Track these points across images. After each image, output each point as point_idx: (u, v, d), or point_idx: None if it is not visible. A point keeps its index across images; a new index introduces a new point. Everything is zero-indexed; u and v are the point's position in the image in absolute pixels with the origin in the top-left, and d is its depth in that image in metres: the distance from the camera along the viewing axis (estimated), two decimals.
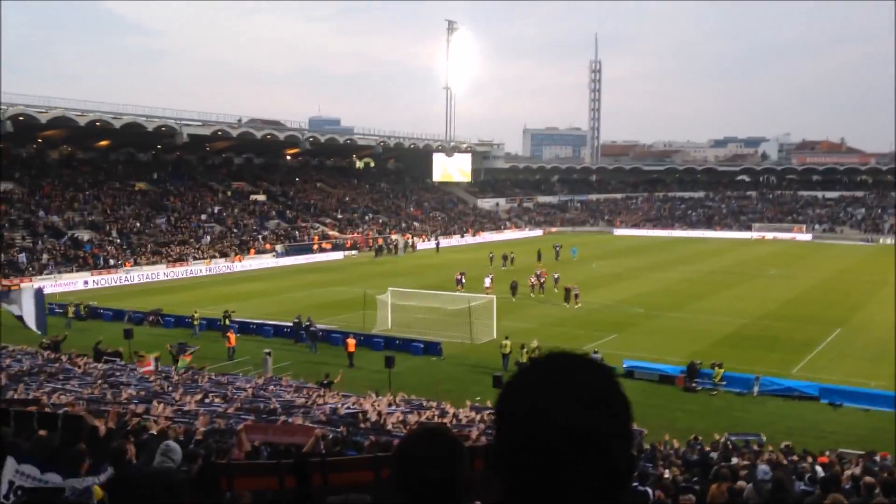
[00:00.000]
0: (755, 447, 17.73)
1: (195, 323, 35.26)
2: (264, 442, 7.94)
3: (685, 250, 75.28)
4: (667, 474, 12.73)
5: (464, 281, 46.76)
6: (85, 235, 58.47)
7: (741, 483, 10.52)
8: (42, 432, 5.97)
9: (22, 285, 28.75)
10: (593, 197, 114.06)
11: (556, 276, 48.98)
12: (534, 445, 1.21)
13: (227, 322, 34.87)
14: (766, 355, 31.73)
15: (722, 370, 27.36)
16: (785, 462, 13.40)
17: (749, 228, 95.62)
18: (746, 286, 51.46)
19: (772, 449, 17.04)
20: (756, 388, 27.10)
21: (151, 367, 23.29)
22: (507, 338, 30.56)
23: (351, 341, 30.94)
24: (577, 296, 42.67)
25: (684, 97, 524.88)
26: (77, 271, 52.10)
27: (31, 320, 26.42)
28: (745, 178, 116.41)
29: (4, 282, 47.09)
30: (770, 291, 48.92)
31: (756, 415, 24.49)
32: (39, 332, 27.90)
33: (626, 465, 1.25)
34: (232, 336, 32.25)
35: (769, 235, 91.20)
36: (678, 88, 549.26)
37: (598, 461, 1.21)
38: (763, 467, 11.24)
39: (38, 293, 28.65)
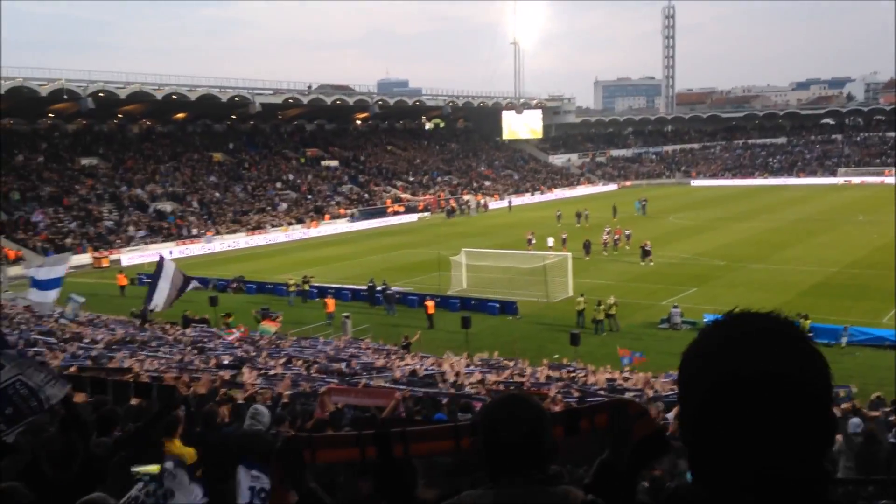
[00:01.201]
0: (844, 398, 17.23)
1: (290, 290, 35.66)
2: (346, 404, 8.14)
3: (767, 199, 72.94)
4: None
5: (534, 241, 46.26)
6: (167, 207, 60.40)
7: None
8: (136, 401, 6.28)
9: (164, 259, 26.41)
10: (669, 148, 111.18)
11: (627, 232, 47.17)
12: (741, 403, 1.12)
13: (307, 287, 35.60)
14: (855, 304, 30.68)
15: (808, 321, 26.53)
16: (873, 414, 12.98)
17: (835, 174, 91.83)
18: (833, 234, 49.64)
19: (857, 404, 16.49)
20: (845, 339, 26.27)
21: (237, 335, 24.00)
22: (582, 295, 30.34)
23: (430, 303, 31.21)
24: (649, 252, 40.89)
25: (763, 40, 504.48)
26: (162, 242, 53.94)
27: (161, 295, 25.26)
28: (830, 121, 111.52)
29: (94, 254, 49.19)
30: (858, 238, 47.06)
31: (846, 366, 23.69)
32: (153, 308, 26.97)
33: (833, 422, 1.17)
34: (330, 301, 32.14)
35: (856, 180, 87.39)
36: (756, 31, 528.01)
37: (810, 417, 1.13)
38: (854, 420, 10.93)
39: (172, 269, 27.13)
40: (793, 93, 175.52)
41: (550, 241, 44.92)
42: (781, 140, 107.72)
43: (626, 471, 2.03)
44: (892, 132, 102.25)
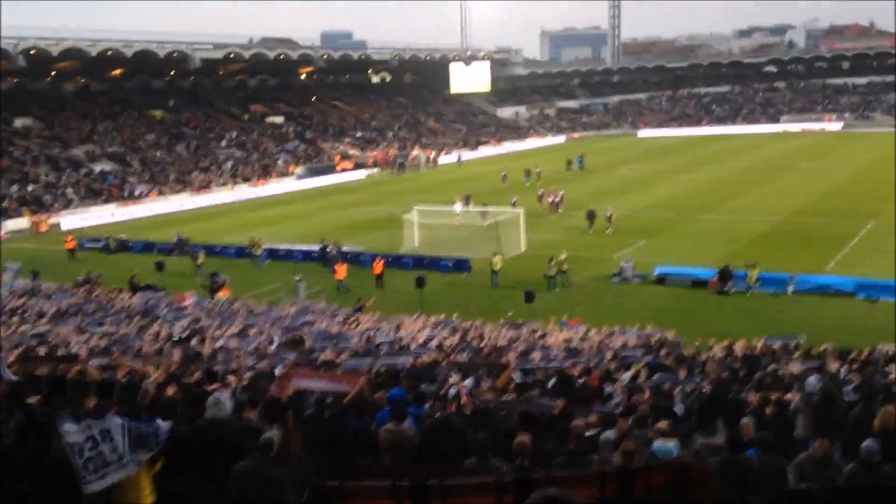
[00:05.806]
0: (794, 348, 17.56)
1: (257, 253, 34.51)
2: (307, 389, 7.89)
3: (713, 148, 73.90)
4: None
5: (471, 203, 42.78)
6: (107, 167, 58.48)
7: (789, 395, 10.38)
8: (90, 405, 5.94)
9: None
10: (616, 99, 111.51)
11: (560, 192, 43.68)
12: None
13: (258, 251, 34.73)
14: (802, 252, 31.34)
15: (756, 271, 27.06)
16: (831, 367, 13.22)
17: (777, 121, 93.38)
18: (779, 182, 50.57)
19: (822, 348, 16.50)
20: (791, 288, 26.83)
21: (189, 302, 23.43)
22: (495, 254, 30.00)
23: (378, 263, 30.63)
24: (609, 218, 37.00)
25: None
26: (103, 204, 52.21)
27: None
28: (773, 68, 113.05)
29: (32, 218, 47.46)
30: (803, 186, 48.06)
31: (793, 315, 24.30)
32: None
33: None
34: (341, 268, 30.26)
35: (797, 127, 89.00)
36: None
37: None
38: (811, 379, 11.09)
39: None
40: (736, 40, 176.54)
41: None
42: (725, 88, 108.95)
43: None
44: (833, 79, 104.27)
